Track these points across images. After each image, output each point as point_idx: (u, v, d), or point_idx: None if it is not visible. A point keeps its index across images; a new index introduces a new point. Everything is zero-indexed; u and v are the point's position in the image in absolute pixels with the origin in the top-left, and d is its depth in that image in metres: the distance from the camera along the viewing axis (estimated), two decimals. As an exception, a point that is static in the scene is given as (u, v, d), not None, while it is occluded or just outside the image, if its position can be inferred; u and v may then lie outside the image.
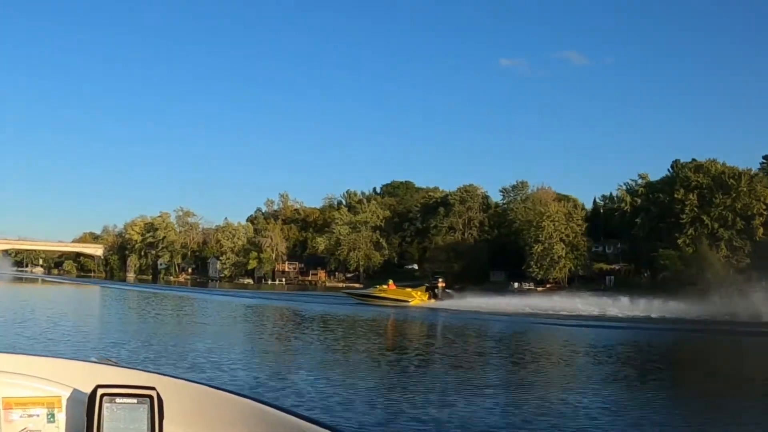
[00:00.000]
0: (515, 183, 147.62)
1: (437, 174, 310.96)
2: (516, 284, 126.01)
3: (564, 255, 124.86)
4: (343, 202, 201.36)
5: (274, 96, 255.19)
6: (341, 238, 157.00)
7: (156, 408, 2.85)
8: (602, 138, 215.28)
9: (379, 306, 54.27)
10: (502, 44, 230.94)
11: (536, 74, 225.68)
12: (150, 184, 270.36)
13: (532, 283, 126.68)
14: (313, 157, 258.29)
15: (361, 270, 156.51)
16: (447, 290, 60.89)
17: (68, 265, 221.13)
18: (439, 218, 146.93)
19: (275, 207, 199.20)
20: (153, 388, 2.90)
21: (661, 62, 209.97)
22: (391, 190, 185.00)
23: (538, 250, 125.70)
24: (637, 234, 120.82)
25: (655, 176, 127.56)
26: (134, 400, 2.84)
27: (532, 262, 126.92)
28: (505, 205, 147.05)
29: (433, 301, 56.59)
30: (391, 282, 61.19)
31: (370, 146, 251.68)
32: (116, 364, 3.39)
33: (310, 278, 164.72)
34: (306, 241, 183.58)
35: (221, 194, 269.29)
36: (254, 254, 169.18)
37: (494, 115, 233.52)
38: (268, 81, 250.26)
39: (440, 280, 60.53)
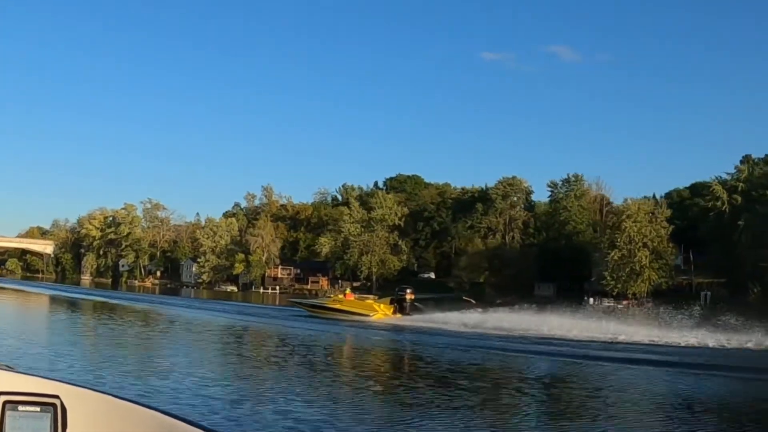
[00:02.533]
0: (566, 176, 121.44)
1: (431, 169, 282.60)
2: (592, 300, 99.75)
3: (648, 264, 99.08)
4: (339, 197, 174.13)
5: (253, 80, 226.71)
6: (351, 238, 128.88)
7: (59, 417, 2.76)
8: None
9: (334, 320, 43.90)
10: (486, 37, 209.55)
11: (523, 69, 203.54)
12: (108, 175, 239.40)
13: (611, 299, 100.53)
14: (295, 150, 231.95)
15: (374, 278, 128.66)
16: (416, 303, 48.70)
17: (12, 263, 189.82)
18: (476, 217, 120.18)
19: (257, 202, 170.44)
20: (57, 397, 2.81)
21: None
22: (397, 184, 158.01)
23: (615, 257, 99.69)
24: (737, 239, 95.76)
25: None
26: (37, 408, 2.75)
27: (605, 273, 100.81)
28: (556, 203, 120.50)
29: (398, 315, 45.49)
30: (348, 291, 53.67)
31: (358, 139, 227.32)
32: (13, 369, 3.23)
33: (309, 286, 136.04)
34: (297, 241, 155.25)
35: (191, 187, 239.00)
36: (240, 256, 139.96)
37: (487, 113, 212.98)
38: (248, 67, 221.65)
39: (408, 291, 48.43)
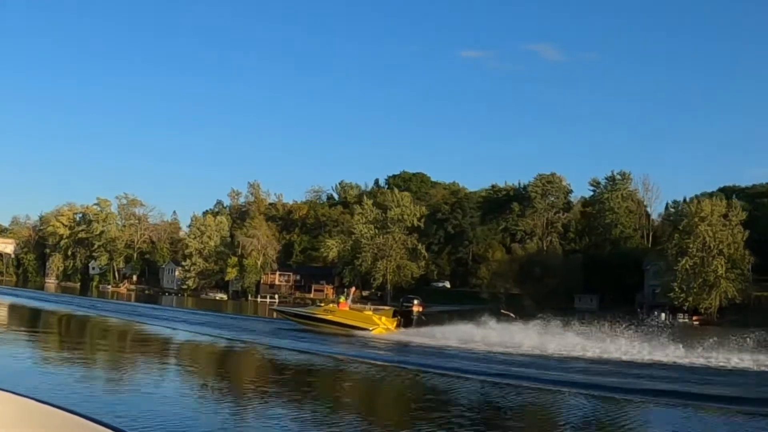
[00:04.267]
0: (610, 174, 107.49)
1: (430, 167, 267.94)
2: (662, 314, 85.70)
3: (723, 274, 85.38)
4: (336, 195, 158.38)
5: (235, 74, 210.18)
6: (363, 241, 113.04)
7: None
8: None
9: (326, 333, 35.87)
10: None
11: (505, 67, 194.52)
12: (74, 170, 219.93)
13: (685, 315, 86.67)
14: (279, 147, 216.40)
15: (389, 286, 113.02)
16: (423, 316, 40.29)
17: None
18: (511, 219, 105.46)
19: (242, 200, 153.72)
20: None
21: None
22: (401, 183, 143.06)
23: (687, 265, 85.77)
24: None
25: None
26: None
27: (674, 284, 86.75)
28: (599, 204, 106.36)
29: (401, 329, 37.47)
30: (343, 299, 42.87)
31: (347, 137, 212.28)
32: None
33: (312, 295, 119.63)
34: (291, 244, 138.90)
35: (166, 184, 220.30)
36: (233, 260, 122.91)
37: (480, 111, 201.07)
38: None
39: (416, 302, 39.97)
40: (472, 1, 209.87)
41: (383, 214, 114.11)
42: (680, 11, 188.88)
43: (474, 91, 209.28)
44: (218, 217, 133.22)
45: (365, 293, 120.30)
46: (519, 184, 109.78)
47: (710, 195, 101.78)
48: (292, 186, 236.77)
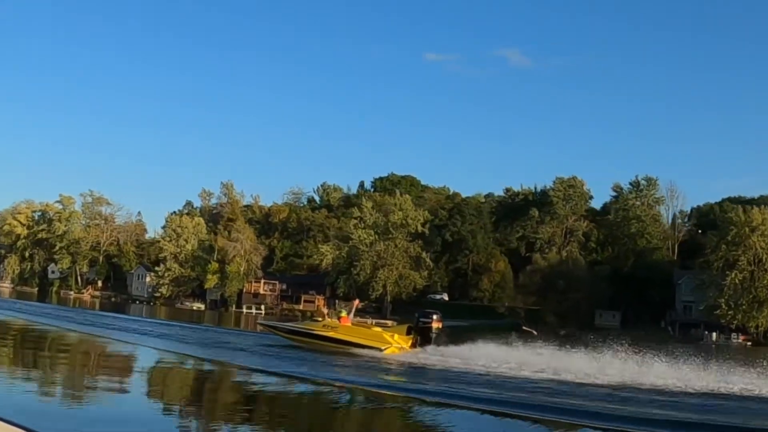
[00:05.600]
0: (634, 179, 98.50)
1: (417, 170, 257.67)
2: (713, 334, 76.90)
3: (776, 290, 76.84)
4: (317, 198, 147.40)
5: (203, 68, 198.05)
6: (362, 248, 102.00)
7: None
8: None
9: (325, 353, 29.51)
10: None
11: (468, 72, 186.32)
12: (31, 165, 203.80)
13: (739, 335, 77.67)
14: (249, 146, 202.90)
15: (389, 298, 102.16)
16: (442, 332, 31.91)
17: None
18: (530, 225, 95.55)
19: (214, 200, 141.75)
20: None
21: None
22: (389, 186, 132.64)
23: (736, 280, 76.88)
24: None
25: None
26: None
27: (721, 300, 77.73)
28: (623, 212, 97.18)
29: (416, 349, 30.57)
30: (344, 313, 34.31)
31: (324, 138, 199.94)
32: None
33: (301, 306, 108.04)
34: (272, 250, 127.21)
35: (131, 184, 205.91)
36: (214, 266, 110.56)
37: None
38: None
39: (435, 317, 31.78)
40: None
41: (384, 219, 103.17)
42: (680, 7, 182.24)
43: (464, 92, 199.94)
44: (195, 218, 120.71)
45: (360, 305, 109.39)
46: (534, 187, 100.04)
47: (744, 202, 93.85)
48: (266, 187, 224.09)
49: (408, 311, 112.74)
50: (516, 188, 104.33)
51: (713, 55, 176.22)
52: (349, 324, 33.12)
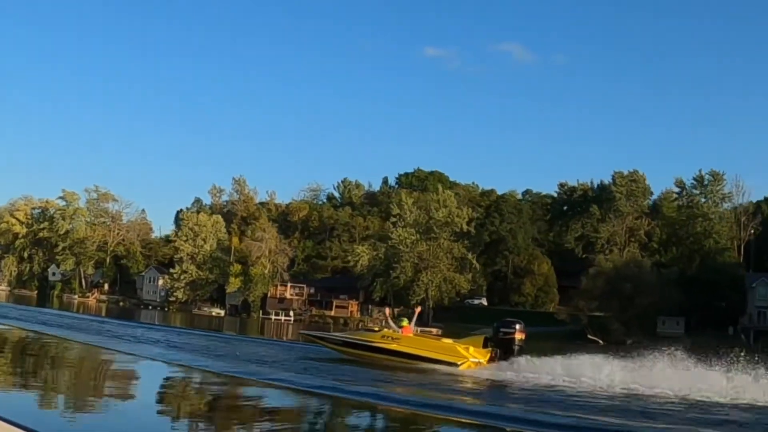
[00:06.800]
0: (697, 174, 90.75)
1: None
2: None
3: None
4: (337, 195, 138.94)
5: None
6: (402, 248, 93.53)
7: None
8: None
9: (386, 368, 24.58)
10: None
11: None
12: (28, 160, 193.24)
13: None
14: (264, 141, 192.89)
15: (431, 304, 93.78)
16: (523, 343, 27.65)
17: None
18: (591, 222, 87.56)
19: (225, 197, 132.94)
20: None
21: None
22: (415, 182, 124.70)
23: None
24: None
25: None
26: None
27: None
28: (688, 209, 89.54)
29: (493, 363, 26.09)
30: (406, 323, 28.70)
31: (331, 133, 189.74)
32: None
33: (332, 312, 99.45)
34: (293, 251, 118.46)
35: (134, 181, 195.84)
36: (237, 268, 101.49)
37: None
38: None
39: (518, 327, 26.91)
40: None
41: (425, 216, 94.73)
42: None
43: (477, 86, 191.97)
44: (213, 216, 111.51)
45: (396, 309, 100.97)
46: (591, 182, 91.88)
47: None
48: (277, 184, 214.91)
49: (448, 318, 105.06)
50: (572, 183, 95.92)
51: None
52: (410, 333, 28.14)
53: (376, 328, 31.77)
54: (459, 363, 26.36)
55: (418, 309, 32.84)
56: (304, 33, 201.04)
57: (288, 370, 21.27)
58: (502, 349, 27.37)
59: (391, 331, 29.29)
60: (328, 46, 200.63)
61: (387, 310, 34.29)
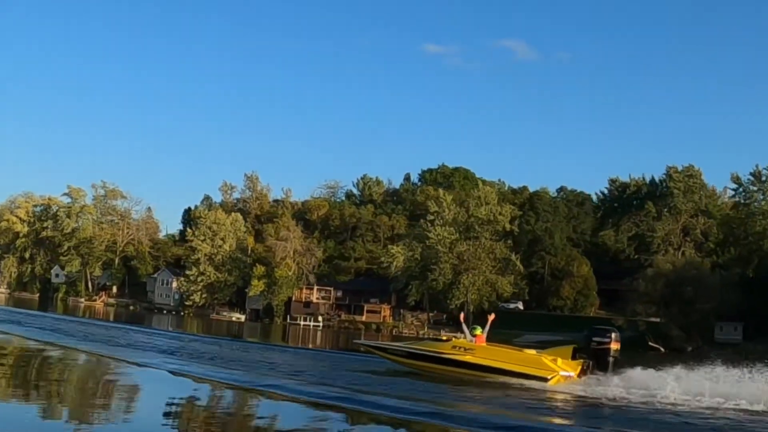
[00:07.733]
0: (755, 169, 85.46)
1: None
2: None
3: None
4: (356, 192, 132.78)
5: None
6: (440, 248, 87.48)
7: None
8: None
9: (458, 384, 22.27)
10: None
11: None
12: (26, 155, 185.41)
13: None
14: (274, 136, 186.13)
15: (471, 308, 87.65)
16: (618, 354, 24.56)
17: None
18: (647, 221, 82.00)
19: (236, 195, 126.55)
20: None
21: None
22: (440, 179, 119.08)
23: None
24: None
25: None
26: None
27: None
28: (746, 207, 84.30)
29: (583, 378, 22.95)
30: (479, 331, 26.09)
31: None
32: None
33: (364, 318, 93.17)
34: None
35: (138, 177, 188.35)
36: (260, 270, 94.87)
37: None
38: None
39: (613, 336, 23.92)
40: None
41: (465, 214, 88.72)
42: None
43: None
44: (233, 214, 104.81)
45: (431, 314, 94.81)
46: (643, 177, 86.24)
47: None
48: (290, 181, 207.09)
49: (482, 325, 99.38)
50: (624, 179, 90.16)
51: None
52: (483, 342, 25.40)
53: (444, 338, 28.49)
54: (549, 377, 23.20)
55: (492, 316, 28.11)
56: (316, 27, 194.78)
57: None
58: (596, 361, 24.50)
59: (462, 340, 26.12)
60: (340, 39, 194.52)
61: (491, 317, 29.39)
